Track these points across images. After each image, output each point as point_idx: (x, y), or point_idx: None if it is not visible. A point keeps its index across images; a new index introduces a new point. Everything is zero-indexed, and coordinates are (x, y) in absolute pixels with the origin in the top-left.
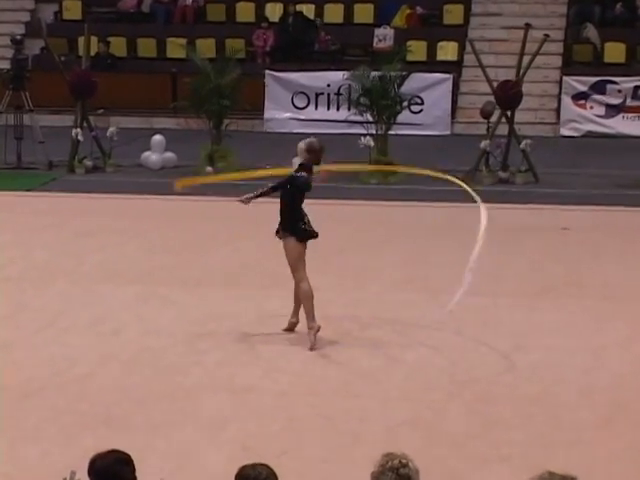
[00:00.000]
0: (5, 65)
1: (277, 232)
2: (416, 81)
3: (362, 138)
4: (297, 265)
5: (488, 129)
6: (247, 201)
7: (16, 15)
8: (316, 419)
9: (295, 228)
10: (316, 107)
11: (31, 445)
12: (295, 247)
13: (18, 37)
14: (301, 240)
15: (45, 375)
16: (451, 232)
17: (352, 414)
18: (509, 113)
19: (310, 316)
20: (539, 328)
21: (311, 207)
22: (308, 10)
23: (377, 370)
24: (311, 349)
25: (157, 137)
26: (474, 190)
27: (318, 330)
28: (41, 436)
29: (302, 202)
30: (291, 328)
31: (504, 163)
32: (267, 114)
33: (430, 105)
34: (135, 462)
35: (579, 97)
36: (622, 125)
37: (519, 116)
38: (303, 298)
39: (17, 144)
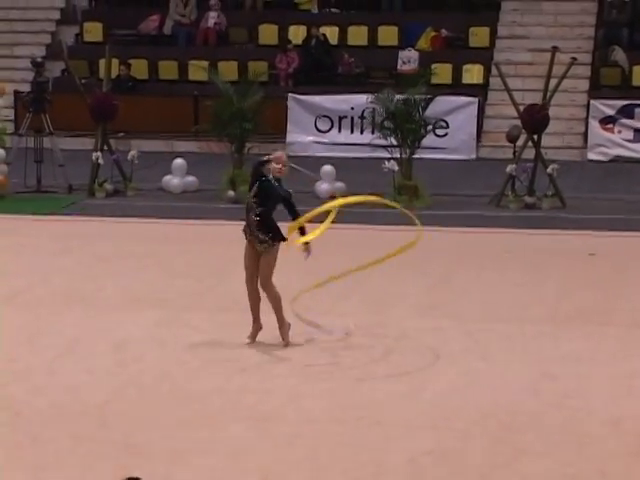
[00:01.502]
0: (26, 88)
1: (257, 241)
2: (441, 104)
3: (386, 162)
4: (272, 273)
5: (514, 153)
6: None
7: (37, 37)
8: (339, 448)
9: (278, 232)
10: (339, 130)
11: (51, 472)
12: (276, 255)
13: (39, 59)
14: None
15: (64, 402)
16: (475, 257)
17: (375, 443)
18: (536, 137)
19: (283, 317)
20: (566, 355)
21: (335, 231)
22: (332, 33)
23: (401, 397)
24: (286, 345)
25: (178, 161)
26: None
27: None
28: (61, 463)
29: None
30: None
31: (530, 188)
32: (290, 137)
33: (455, 129)
34: None
35: (607, 121)
36: None
37: (546, 140)
38: (277, 302)
39: (37, 167)
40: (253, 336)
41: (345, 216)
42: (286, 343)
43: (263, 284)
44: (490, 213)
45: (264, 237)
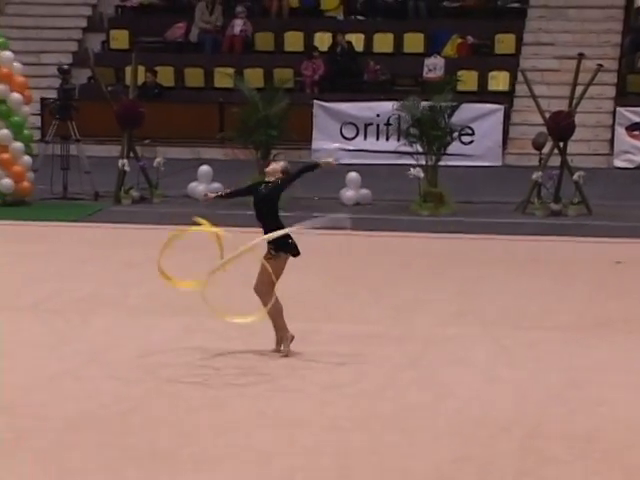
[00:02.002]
0: (52, 95)
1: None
2: (467, 111)
3: (412, 169)
4: (275, 283)
5: (540, 160)
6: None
7: (64, 45)
8: (365, 454)
9: (286, 244)
10: (365, 137)
11: (77, 478)
12: (283, 265)
13: (65, 67)
14: (290, 254)
15: (90, 408)
16: (502, 264)
17: (401, 449)
18: (562, 144)
19: (285, 328)
20: (593, 363)
21: (362, 239)
22: (358, 40)
23: (427, 404)
24: (287, 356)
25: (204, 168)
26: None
27: (292, 339)
28: (86, 470)
29: None
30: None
31: (556, 195)
32: (315, 144)
33: (481, 136)
34: None
35: (633, 128)
36: None
37: (572, 147)
38: (278, 313)
39: (63, 174)
40: (287, 346)
41: None
42: (280, 350)
43: (267, 293)
44: (516, 220)
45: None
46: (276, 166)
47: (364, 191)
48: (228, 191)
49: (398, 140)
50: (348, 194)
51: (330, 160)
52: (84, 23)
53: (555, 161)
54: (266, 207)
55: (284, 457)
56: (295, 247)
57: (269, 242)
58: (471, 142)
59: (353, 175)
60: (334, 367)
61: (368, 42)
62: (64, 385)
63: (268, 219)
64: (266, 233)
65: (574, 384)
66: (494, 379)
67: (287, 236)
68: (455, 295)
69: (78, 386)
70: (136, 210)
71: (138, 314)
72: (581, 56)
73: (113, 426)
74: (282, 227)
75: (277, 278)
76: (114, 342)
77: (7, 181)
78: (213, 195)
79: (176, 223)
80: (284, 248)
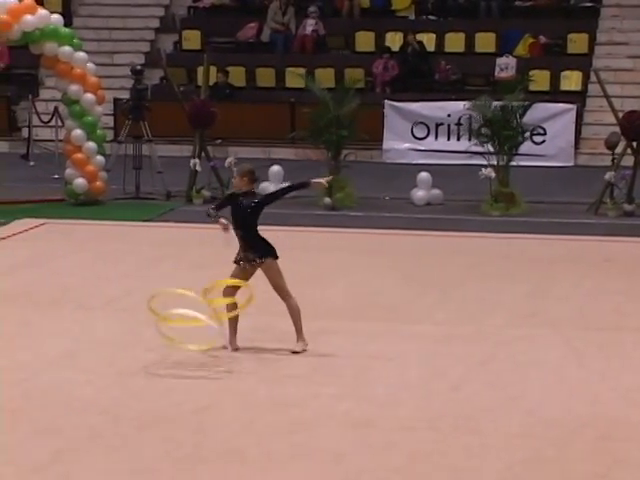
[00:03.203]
0: (125, 95)
1: (242, 260)
2: (539, 111)
3: (483, 169)
4: (284, 283)
5: (613, 160)
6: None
7: (136, 45)
8: (435, 455)
9: (268, 248)
10: (436, 137)
11: (147, 477)
12: (277, 266)
13: (138, 67)
14: (276, 257)
15: (162, 406)
16: (573, 265)
17: (472, 450)
18: (635, 144)
19: (302, 331)
20: None
21: (432, 239)
22: (429, 39)
23: (497, 405)
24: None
25: (275, 168)
26: None
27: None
28: (157, 468)
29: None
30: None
31: (629, 195)
32: (386, 144)
33: (553, 136)
34: None
35: None
36: None
37: None
38: (298, 313)
39: (136, 174)
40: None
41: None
42: (299, 351)
43: (281, 294)
44: (588, 221)
45: (249, 253)
46: (238, 182)
47: (435, 191)
48: (213, 206)
49: (469, 140)
50: (419, 194)
51: (322, 181)
52: (156, 24)
53: (628, 161)
54: (248, 219)
55: (354, 457)
56: (273, 248)
57: (251, 253)
58: (543, 142)
59: (424, 175)
60: (404, 367)
61: (439, 42)
62: (135, 383)
63: (248, 230)
64: (246, 244)
65: None
66: (565, 380)
67: (266, 241)
68: (526, 296)
69: (149, 384)
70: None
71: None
72: None
73: (184, 425)
74: (261, 238)
75: (281, 280)
76: (185, 341)
77: (80, 181)
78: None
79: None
80: (268, 253)
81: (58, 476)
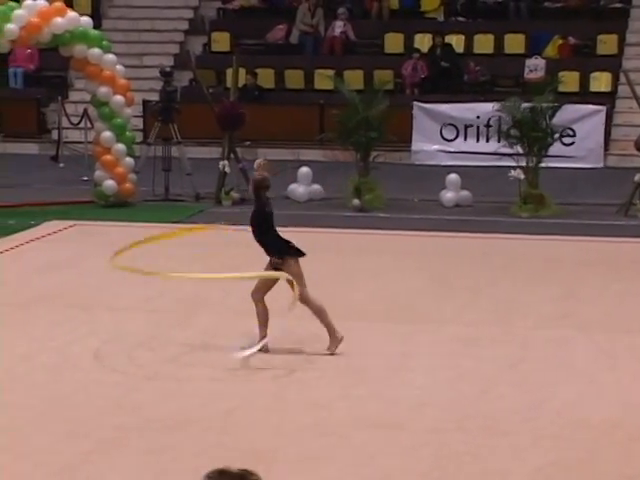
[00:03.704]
0: (154, 97)
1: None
2: (568, 113)
3: (512, 171)
4: (304, 283)
5: None
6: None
7: (166, 47)
8: (464, 457)
9: (287, 249)
10: (465, 139)
11: (176, 478)
12: (297, 268)
13: (167, 69)
14: (297, 256)
15: (190, 408)
16: (603, 267)
17: (501, 452)
18: None
19: (332, 326)
20: None
21: (461, 240)
22: (458, 41)
23: (526, 407)
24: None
25: (304, 169)
26: None
27: (341, 340)
28: (186, 469)
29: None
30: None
31: None
32: (415, 146)
33: (582, 137)
34: None
35: None
36: None
37: None
38: (323, 312)
39: (165, 176)
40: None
41: None
42: (331, 352)
43: (301, 299)
44: (618, 222)
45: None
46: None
47: (464, 193)
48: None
49: (498, 141)
50: (448, 195)
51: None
52: (186, 26)
53: None
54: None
55: (383, 459)
56: (298, 249)
57: (271, 254)
58: (572, 143)
59: (453, 177)
60: (433, 369)
61: (468, 43)
62: (164, 385)
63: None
64: (265, 249)
65: None
66: (595, 382)
67: (287, 242)
68: (555, 297)
69: (178, 386)
70: (236, 211)
71: (238, 315)
72: None
73: (213, 426)
74: (278, 239)
75: (302, 281)
76: (214, 342)
77: (110, 182)
78: None
79: (276, 225)
80: (287, 252)
81: (87, 477)
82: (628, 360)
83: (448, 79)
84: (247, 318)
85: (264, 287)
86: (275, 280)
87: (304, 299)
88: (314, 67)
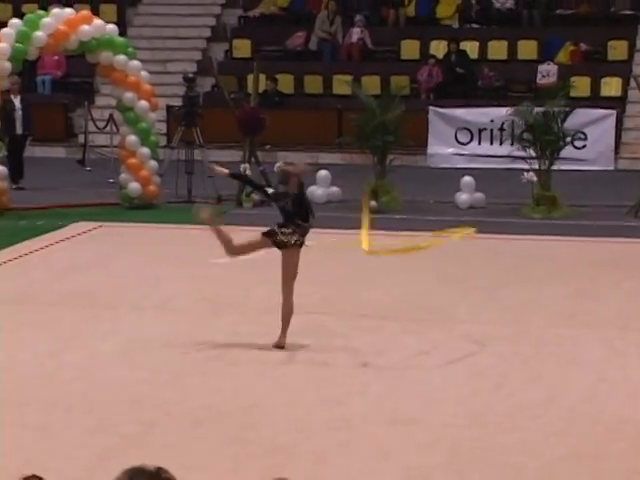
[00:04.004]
0: (178, 102)
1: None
2: (579, 117)
3: (525, 173)
4: (295, 274)
5: None
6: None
7: (189, 54)
8: (478, 452)
9: (305, 233)
10: (479, 142)
11: (199, 472)
12: (298, 256)
13: (190, 75)
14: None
15: (213, 404)
16: (614, 267)
17: (514, 447)
18: None
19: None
20: None
21: (475, 241)
22: (472, 47)
23: (538, 404)
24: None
25: (322, 172)
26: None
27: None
28: (209, 463)
29: None
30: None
31: None
32: (430, 149)
33: (594, 141)
34: None
35: None
36: None
37: None
38: (290, 313)
39: (188, 179)
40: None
41: None
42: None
43: (285, 287)
44: (628, 224)
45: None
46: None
47: (478, 195)
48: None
49: (512, 145)
50: (462, 197)
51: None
52: (208, 33)
53: None
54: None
55: (399, 454)
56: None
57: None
58: (584, 147)
59: (467, 179)
60: (447, 366)
61: (482, 49)
62: (188, 382)
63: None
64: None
65: None
66: (606, 379)
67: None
68: (567, 297)
69: (202, 382)
70: (257, 213)
71: (259, 314)
72: None
73: (235, 421)
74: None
75: (295, 271)
76: (236, 341)
77: (135, 185)
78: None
79: None
80: (303, 236)
81: (114, 471)
82: (638, 357)
83: (463, 84)
84: (267, 318)
85: (250, 248)
86: (264, 244)
87: (290, 293)
88: (332, 73)
